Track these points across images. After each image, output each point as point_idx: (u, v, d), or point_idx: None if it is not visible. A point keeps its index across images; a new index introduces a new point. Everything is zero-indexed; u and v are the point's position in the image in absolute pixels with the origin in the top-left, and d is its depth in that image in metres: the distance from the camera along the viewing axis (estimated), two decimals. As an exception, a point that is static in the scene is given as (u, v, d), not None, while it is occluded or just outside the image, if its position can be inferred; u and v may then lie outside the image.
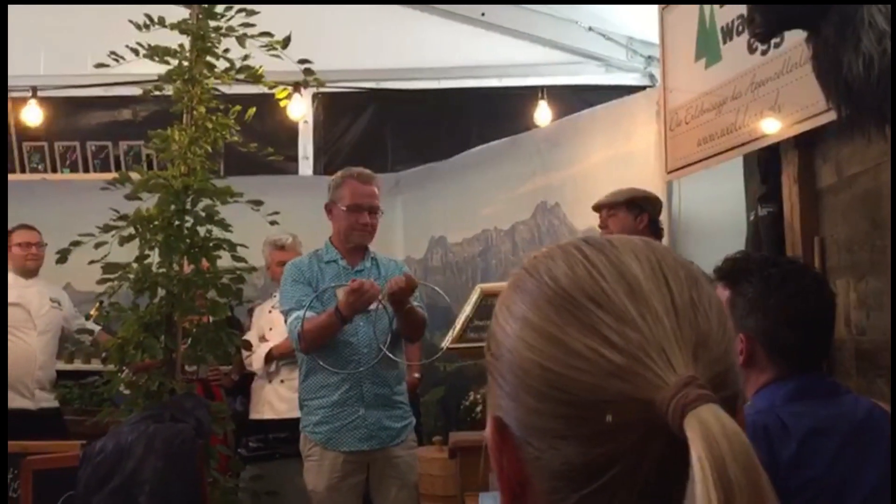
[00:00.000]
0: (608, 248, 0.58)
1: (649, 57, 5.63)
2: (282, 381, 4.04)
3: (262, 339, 4.15)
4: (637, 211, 3.07)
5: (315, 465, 2.94)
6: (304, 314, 2.87)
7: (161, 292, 3.27)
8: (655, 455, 0.52)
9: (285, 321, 3.04)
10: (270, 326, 4.12)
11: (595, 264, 0.57)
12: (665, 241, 3.64)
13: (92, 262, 3.25)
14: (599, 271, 0.56)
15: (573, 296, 0.55)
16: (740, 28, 3.22)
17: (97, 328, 4.35)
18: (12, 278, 4.29)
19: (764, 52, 3.06)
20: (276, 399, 4.03)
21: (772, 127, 3.04)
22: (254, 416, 4.10)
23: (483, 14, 5.61)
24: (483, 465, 2.90)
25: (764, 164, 3.33)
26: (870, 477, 1.49)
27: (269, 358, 4.04)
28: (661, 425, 0.51)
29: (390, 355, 2.94)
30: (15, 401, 4.08)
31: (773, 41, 2.97)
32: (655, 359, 0.52)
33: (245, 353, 3.99)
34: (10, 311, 4.18)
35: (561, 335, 0.54)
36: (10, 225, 4.40)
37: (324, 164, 6.09)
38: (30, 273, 4.33)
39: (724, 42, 3.32)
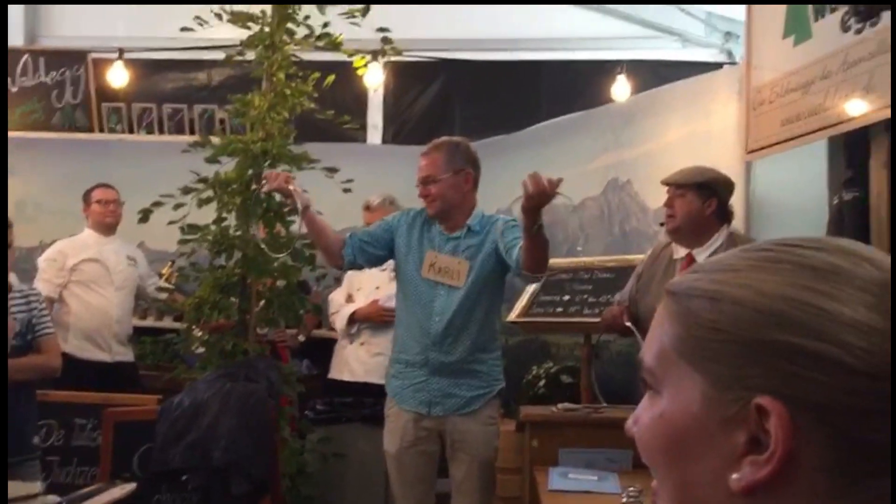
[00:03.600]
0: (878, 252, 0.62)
1: (728, 33, 5.49)
2: (361, 344, 4.09)
3: (349, 298, 4.19)
4: (707, 194, 2.90)
5: (391, 426, 2.98)
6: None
7: (237, 255, 3.34)
8: None
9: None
10: (359, 287, 4.16)
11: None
12: (740, 224, 3.56)
13: (171, 222, 3.34)
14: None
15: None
16: (833, 5, 3.12)
17: (167, 286, 4.46)
18: (91, 235, 4.42)
19: (858, 31, 2.95)
20: (356, 361, 4.08)
21: (862, 109, 2.94)
22: (333, 375, 4.16)
23: (559, -15, 5.54)
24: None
25: (850, 148, 3.23)
26: None
27: (352, 320, 4.08)
28: None
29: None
30: (93, 353, 4.23)
31: (868, 20, 2.87)
32: None
33: (331, 311, 4.04)
34: (90, 266, 4.31)
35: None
36: (90, 184, 4.53)
37: (392, 133, 6.11)
38: (108, 230, 4.46)
39: (816, 19, 3.21)
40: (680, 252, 3.02)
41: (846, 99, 3.01)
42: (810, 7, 3.24)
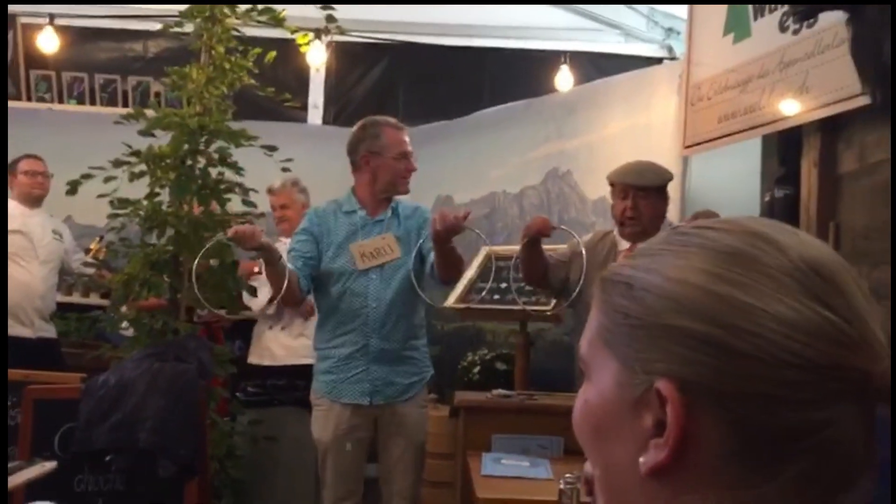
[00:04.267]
0: (794, 237, 0.60)
1: (669, 29, 5.57)
2: (282, 329, 4.04)
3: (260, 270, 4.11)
4: (665, 194, 3.04)
5: (322, 414, 2.94)
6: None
7: (169, 231, 3.25)
8: (854, 421, 0.55)
9: None
10: None
11: (806, 243, 0.60)
12: (677, 217, 3.62)
13: (101, 195, 3.22)
14: (817, 248, 0.59)
15: (802, 268, 0.57)
16: (773, 5, 3.18)
17: (93, 261, 4.32)
18: (16, 207, 4.26)
19: (796, 32, 3.02)
20: (276, 346, 4.03)
21: (797, 109, 3.01)
22: (252, 360, 4.10)
23: (505, -27, 5.53)
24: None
25: (783, 146, 3.30)
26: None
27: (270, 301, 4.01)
28: (871, 394, 0.55)
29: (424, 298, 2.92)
30: (14, 328, 4.07)
31: (806, 21, 2.93)
32: (875, 332, 0.56)
33: (260, 301, 3.97)
34: (13, 238, 4.15)
35: (794, 304, 0.56)
36: (16, 154, 4.35)
37: (333, 113, 6.03)
38: (34, 202, 4.30)
39: (756, 18, 3.27)
40: (623, 244, 3.06)
41: (781, 98, 3.07)
42: (751, 7, 3.30)
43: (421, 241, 2.94)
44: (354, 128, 3.10)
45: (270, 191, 4.13)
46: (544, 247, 3.18)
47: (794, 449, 0.55)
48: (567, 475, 1.81)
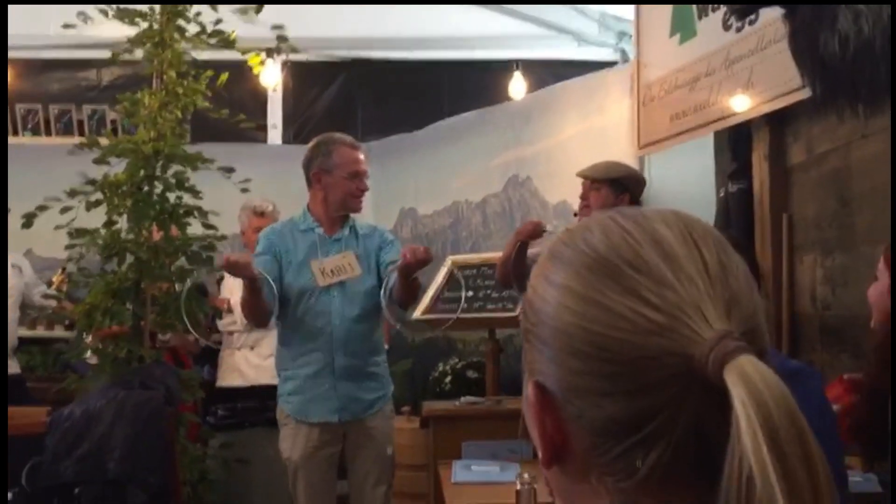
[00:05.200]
0: (641, 218, 0.62)
1: (621, 33, 5.63)
2: (251, 348, 4.01)
3: (228, 304, 4.10)
4: (620, 189, 3.09)
5: (290, 433, 2.92)
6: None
7: (129, 259, 3.23)
8: (693, 406, 0.55)
9: None
10: (231, 293, 4.07)
11: (630, 232, 0.60)
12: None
13: (58, 227, 3.20)
14: (635, 238, 0.60)
15: (612, 261, 0.59)
16: (716, 4, 3.24)
17: (54, 293, 4.27)
18: (-28, 243, 4.20)
19: (739, 30, 3.09)
20: (246, 366, 4.00)
21: (744, 104, 3.07)
22: (221, 383, 4.06)
23: (456, -16, 5.57)
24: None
25: (734, 141, 3.37)
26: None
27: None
28: (699, 378, 0.55)
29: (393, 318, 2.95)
30: (-24, 367, 4.01)
31: (748, 18, 2.99)
32: (692, 316, 0.56)
33: (228, 320, 3.94)
34: (-29, 276, 4.09)
35: (602, 298, 0.58)
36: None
37: (293, 132, 6.03)
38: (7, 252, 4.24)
39: (700, 18, 3.33)
40: None
41: (729, 95, 3.14)
42: (695, 7, 3.37)
43: (381, 263, 2.96)
44: (309, 145, 3.10)
45: (262, 214, 4.09)
46: None
47: (634, 439, 0.56)
48: (524, 475, 1.83)
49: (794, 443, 0.50)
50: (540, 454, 0.61)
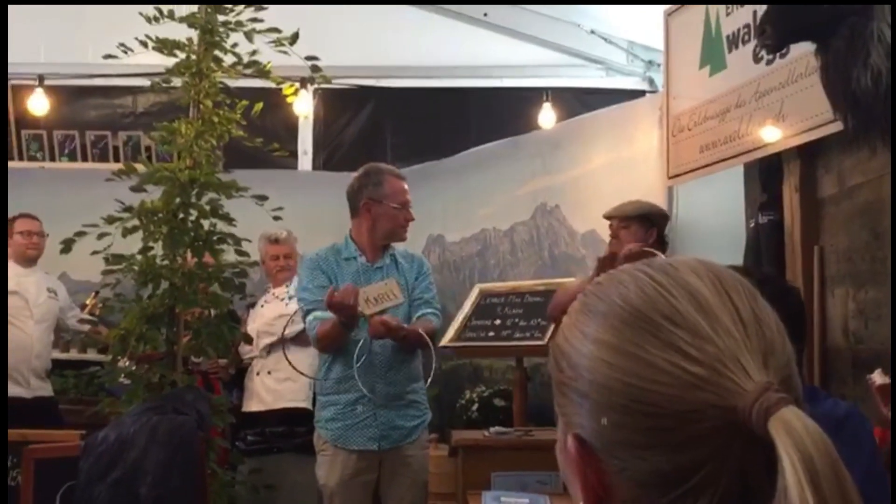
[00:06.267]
0: (671, 269, 0.63)
1: (649, 62, 5.67)
2: (269, 373, 4.04)
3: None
4: (648, 225, 3.22)
5: (328, 460, 2.94)
6: (320, 315, 2.89)
7: (164, 284, 3.28)
8: (736, 457, 0.56)
9: (303, 317, 3.03)
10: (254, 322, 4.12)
11: (663, 284, 0.61)
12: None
13: (94, 252, 3.26)
14: (668, 291, 0.60)
15: (648, 315, 0.60)
16: (746, 37, 3.26)
17: (89, 318, 4.34)
18: (11, 266, 4.28)
19: (769, 62, 3.10)
20: (263, 390, 4.03)
21: (775, 136, 3.07)
22: (245, 408, 4.10)
23: (485, 14, 5.64)
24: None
25: (765, 173, 3.37)
26: (856, 475, 1.54)
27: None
28: (742, 430, 0.55)
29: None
30: (11, 389, 4.07)
31: (778, 52, 3.00)
32: (732, 368, 0.57)
33: (248, 348, 3.99)
34: (10, 299, 4.17)
35: (641, 353, 0.59)
36: (11, 213, 4.39)
37: (323, 159, 6.10)
38: (29, 262, 4.33)
39: (730, 51, 3.35)
40: None
41: (760, 126, 3.14)
42: (724, 38, 3.38)
43: (414, 291, 3.01)
44: (356, 173, 3.13)
45: (276, 241, 4.14)
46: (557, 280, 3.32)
47: (680, 491, 0.57)
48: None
49: (836, 495, 0.51)
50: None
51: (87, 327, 4.20)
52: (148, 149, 5.54)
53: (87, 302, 4.71)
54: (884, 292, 2.69)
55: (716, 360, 0.57)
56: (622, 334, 0.60)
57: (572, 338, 0.64)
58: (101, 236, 3.22)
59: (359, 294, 2.85)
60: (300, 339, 4.02)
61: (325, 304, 2.79)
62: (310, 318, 2.93)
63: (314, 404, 3.26)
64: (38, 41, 5.60)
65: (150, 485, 2.71)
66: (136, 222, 3.28)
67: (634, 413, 0.58)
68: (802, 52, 2.77)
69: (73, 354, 4.87)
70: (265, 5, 3.47)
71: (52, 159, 5.70)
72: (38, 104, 5.49)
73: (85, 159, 5.73)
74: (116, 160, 5.51)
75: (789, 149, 3.08)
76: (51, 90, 5.58)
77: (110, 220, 3.23)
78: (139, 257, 3.26)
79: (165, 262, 3.29)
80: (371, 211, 2.99)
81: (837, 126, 2.49)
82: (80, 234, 3.23)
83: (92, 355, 4.82)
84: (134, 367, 3.32)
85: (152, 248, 3.30)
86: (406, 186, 3.06)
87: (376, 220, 2.98)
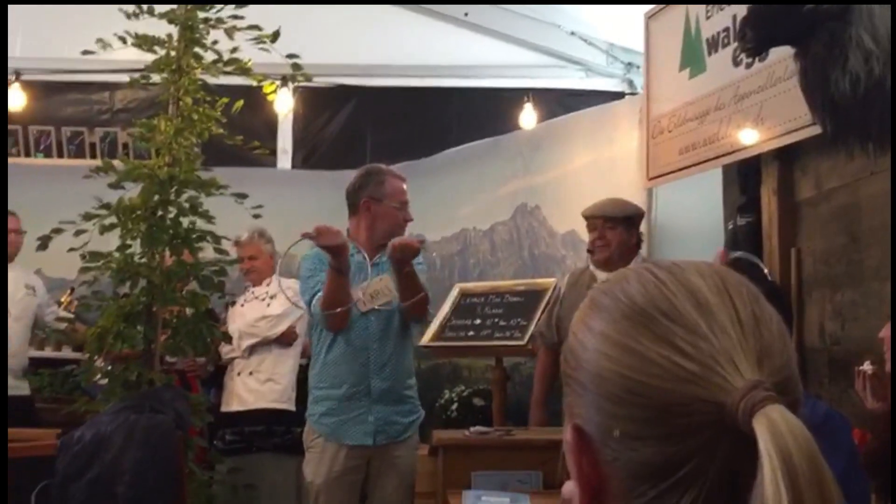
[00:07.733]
0: (676, 269, 0.64)
1: (629, 63, 5.70)
2: (250, 374, 4.02)
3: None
4: (632, 225, 3.30)
5: (316, 456, 2.93)
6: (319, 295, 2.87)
7: (142, 282, 3.25)
8: (724, 452, 0.58)
9: (308, 309, 3.02)
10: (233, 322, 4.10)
11: (665, 283, 0.63)
12: (644, 248, 3.68)
13: (71, 249, 3.22)
14: (670, 289, 0.62)
15: (648, 311, 0.62)
16: (726, 40, 3.29)
17: (66, 315, 4.29)
18: (-14, 263, 4.23)
19: (748, 66, 3.13)
20: (244, 390, 4.00)
21: (754, 139, 3.10)
22: (223, 408, 4.08)
23: (466, 14, 5.65)
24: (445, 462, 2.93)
25: (743, 175, 3.40)
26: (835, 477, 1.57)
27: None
28: (731, 425, 0.57)
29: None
30: (-15, 388, 4.02)
31: (757, 55, 3.03)
32: (725, 366, 0.58)
33: (228, 348, 3.97)
34: (-16, 296, 4.11)
35: (637, 346, 0.60)
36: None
37: (302, 157, 6.07)
38: (7, 258, 4.27)
39: (710, 53, 3.38)
40: (602, 276, 3.16)
41: (739, 129, 3.17)
42: (704, 41, 3.41)
43: None
44: (357, 172, 3.13)
45: (238, 243, 4.12)
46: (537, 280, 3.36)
47: (668, 483, 0.58)
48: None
49: (814, 492, 0.52)
50: (579, 497, 0.63)
51: (64, 325, 4.14)
52: (125, 146, 5.49)
53: (63, 299, 4.66)
54: (860, 295, 2.73)
55: (709, 357, 0.58)
56: (621, 328, 0.62)
57: (579, 332, 0.66)
58: (78, 233, 3.18)
59: (356, 290, 2.87)
60: (283, 340, 4.02)
61: (312, 231, 2.78)
62: (312, 302, 2.92)
63: (297, 406, 3.25)
64: (14, 35, 5.53)
65: (127, 484, 2.69)
66: (113, 219, 3.25)
67: (628, 404, 0.59)
68: (782, 55, 2.79)
69: (49, 352, 4.81)
70: (246, 4, 3.45)
71: (28, 155, 5.63)
72: (15, 99, 5.42)
73: (60, 155, 5.66)
74: (93, 157, 5.45)
75: (768, 152, 3.12)
76: (27, 85, 5.51)
77: (87, 217, 3.20)
78: (117, 255, 3.23)
79: (143, 259, 3.27)
80: (371, 210, 3.00)
81: (816, 130, 2.52)
82: (57, 231, 3.19)
83: (67, 353, 4.77)
84: (110, 367, 3.29)
85: (130, 245, 3.27)
86: (406, 187, 3.06)
87: (376, 219, 2.98)
